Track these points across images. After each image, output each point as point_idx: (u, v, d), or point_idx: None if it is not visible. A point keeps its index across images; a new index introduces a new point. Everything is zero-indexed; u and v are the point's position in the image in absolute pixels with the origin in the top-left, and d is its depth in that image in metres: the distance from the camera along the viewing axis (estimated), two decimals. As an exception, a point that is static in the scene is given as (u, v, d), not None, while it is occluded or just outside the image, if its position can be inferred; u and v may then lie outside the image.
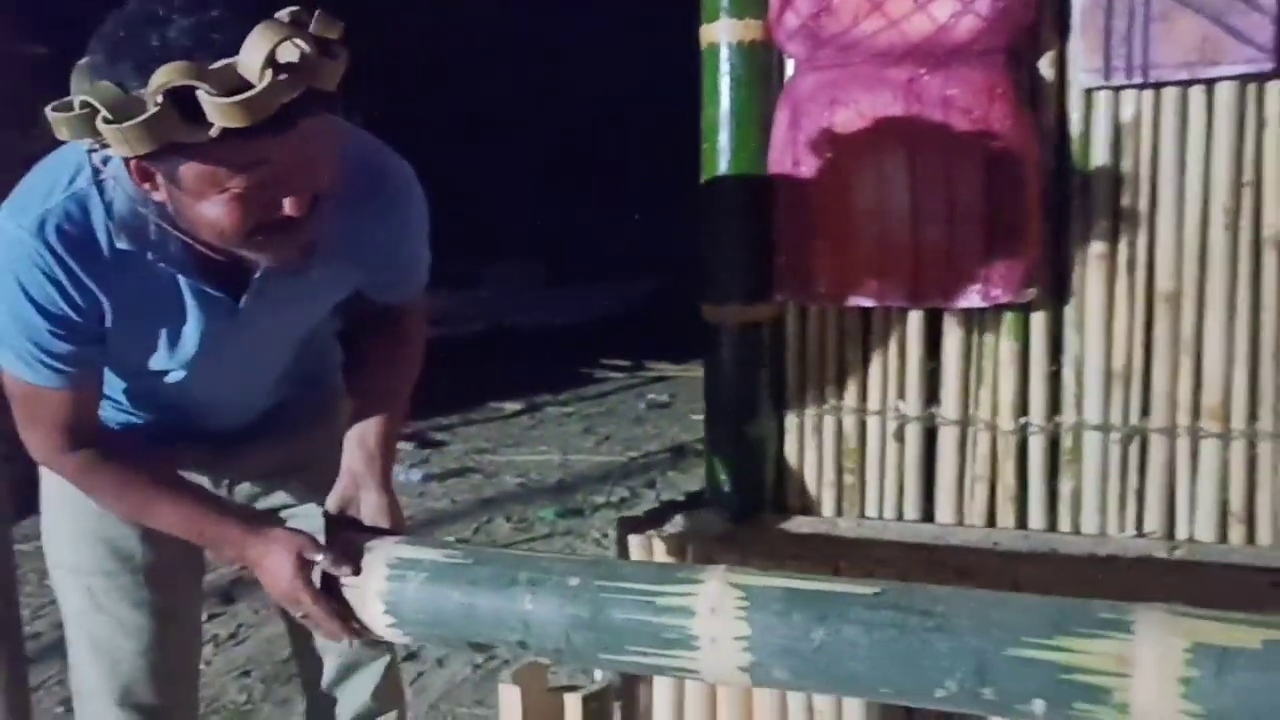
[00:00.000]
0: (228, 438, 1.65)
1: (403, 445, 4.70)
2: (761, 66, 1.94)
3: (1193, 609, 1.17)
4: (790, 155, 1.90)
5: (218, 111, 1.11)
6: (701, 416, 2.08)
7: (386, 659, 1.76)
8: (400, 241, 1.50)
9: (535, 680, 1.54)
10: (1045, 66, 1.80)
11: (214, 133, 1.12)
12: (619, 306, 7.63)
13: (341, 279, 1.48)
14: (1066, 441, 1.83)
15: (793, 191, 1.92)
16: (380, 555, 1.43)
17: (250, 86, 1.11)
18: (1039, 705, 1.18)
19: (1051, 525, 1.85)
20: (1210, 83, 1.71)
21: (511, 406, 6.02)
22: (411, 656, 2.94)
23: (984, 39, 1.76)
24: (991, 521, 1.88)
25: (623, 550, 1.87)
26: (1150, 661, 1.12)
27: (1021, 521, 1.86)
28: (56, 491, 1.62)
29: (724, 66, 1.93)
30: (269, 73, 1.11)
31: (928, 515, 1.92)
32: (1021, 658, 1.17)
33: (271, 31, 1.12)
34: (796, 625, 1.26)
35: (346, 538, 1.43)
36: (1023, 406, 1.86)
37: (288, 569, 1.38)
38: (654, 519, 1.98)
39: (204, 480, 1.64)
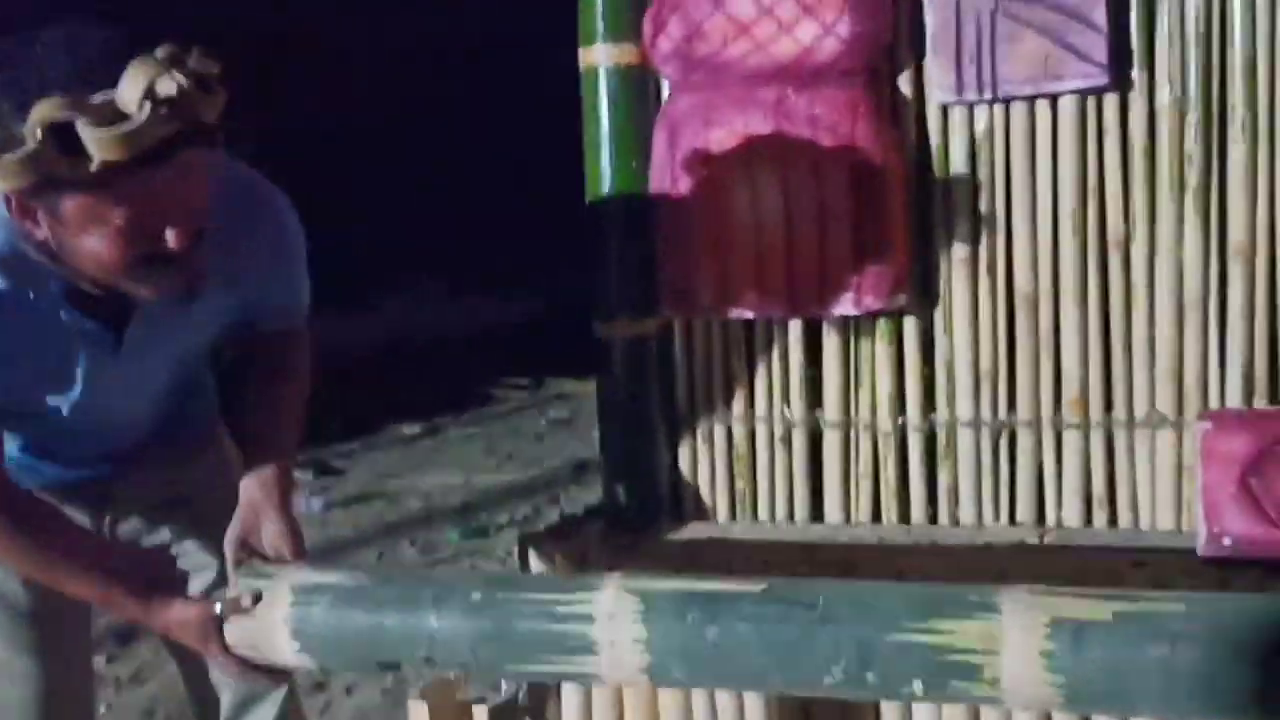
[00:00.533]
0: (110, 473, 1.64)
1: (301, 474, 4.65)
2: (638, 88, 2.00)
3: (1052, 589, 1.27)
4: (669, 174, 1.97)
5: (97, 144, 1.13)
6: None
7: (284, 689, 1.76)
8: (277, 268, 1.52)
9: (444, 696, 1.57)
10: (904, 84, 1.91)
11: (94, 166, 1.14)
12: (519, 320, 7.62)
13: (221, 308, 1.49)
14: (942, 438, 1.94)
15: (673, 209, 1.99)
16: (284, 583, 1.45)
17: (128, 119, 1.13)
18: (918, 686, 1.26)
19: (932, 518, 1.95)
20: (1054, 97, 1.83)
21: (412, 429, 5.98)
22: (319, 686, 2.93)
23: (845, 60, 1.86)
24: (877, 518, 1.98)
25: (524, 566, 1.91)
26: (1015, 638, 1.21)
27: (904, 516, 1.96)
28: None
29: (602, 89, 1.99)
30: (147, 106, 1.13)
31: (817, 515, 2.00)
32: (900, 642, 1.25)
33: (148, 67, 1.15)
34: (691, 625, 1.32)
35: (246, 570, 1.44)
36: (900, 406, 1.96)
37: (193, 632, 1.40)
38: (553, 534, 2.03)
39: (85, 518, 1.63)
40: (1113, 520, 1.87)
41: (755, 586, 1.34)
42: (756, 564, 1.80)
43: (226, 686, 1.76)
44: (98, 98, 1.13)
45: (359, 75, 7.41)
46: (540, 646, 1.38)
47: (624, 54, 1.97)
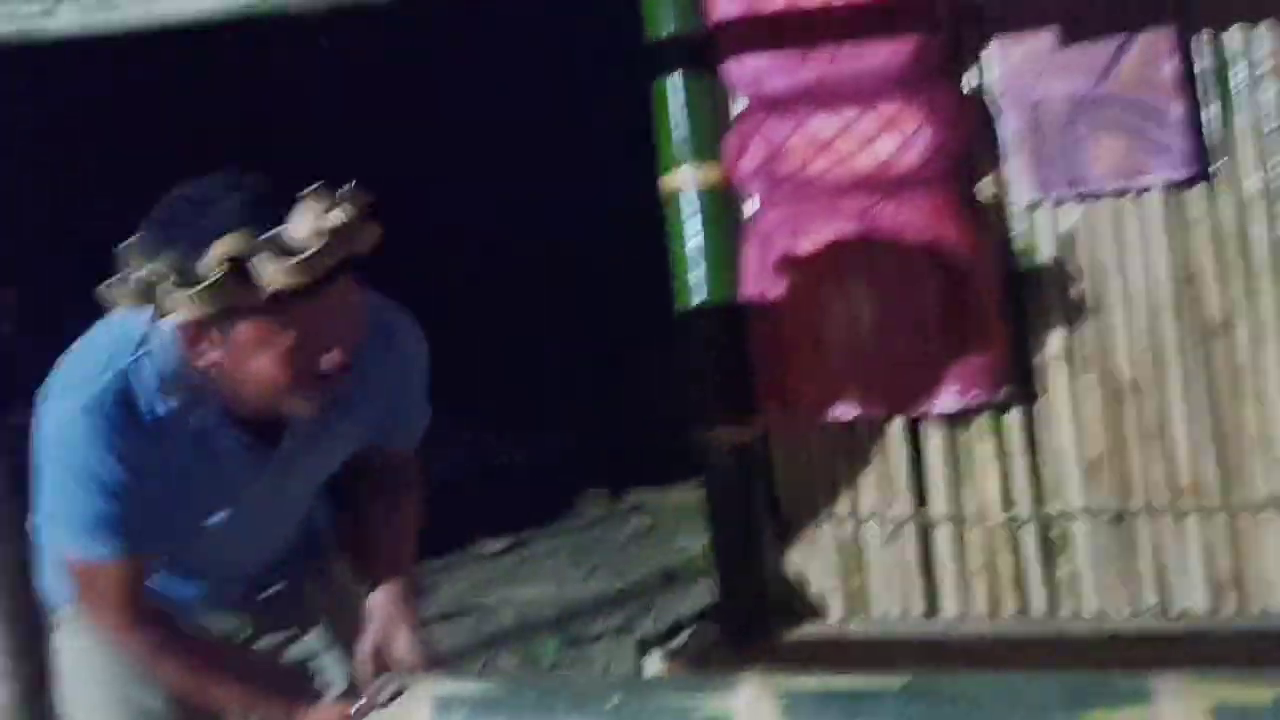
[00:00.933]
0: (247, 592, 1.70)
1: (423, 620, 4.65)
2: (724, 205, 2.08)
3: (1205, 674, 1.26)
4: (762, 284, 2.04)
5: (274, 275, 1.23)
6: (685, 541, 2.16)
7: None
8: (410, 391, 1.60)
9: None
10: (986, 187, 1.97)
11: (266, 295, 1.24)
12: (593, 440, 7.68)
13: (360, 426, 1.57)
14: (1056, 530, 1.94)
15: (768, 317, 2.05)
16: (423, 692, 1.49)
17: (299, 251, 1.23)
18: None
19: (1053, 609, 1.94)
20: (1139, 191, 1.88)
21: (495, 546, 6.03)
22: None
23: (927, 168, 1.93)
24: (995, 611, 1.97)
25: (640, 671, 1.93)
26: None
27: (1023, 608, 1.96)
28: (80, 660, 1.64)
29: (688, 209, 2.07)
30: (318, 238, 1.24)
31: (932, 611, 2.01)
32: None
33: (318, 201, 1.26)
34: (835, 723, 1.33)
35: (381, 681, 1.49)
36: (1008, 501, 1.97)
37: None
38: (668, 637, 2.05)
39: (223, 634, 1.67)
40: (1241, 604, 1.85)
41: (896, 682, 1.35)
42: (879, 661, 1.81)
43: None
44: (270, 232, 1.24)
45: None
46: (682, 751, 1.39)
47: (708, 174, 2.06)
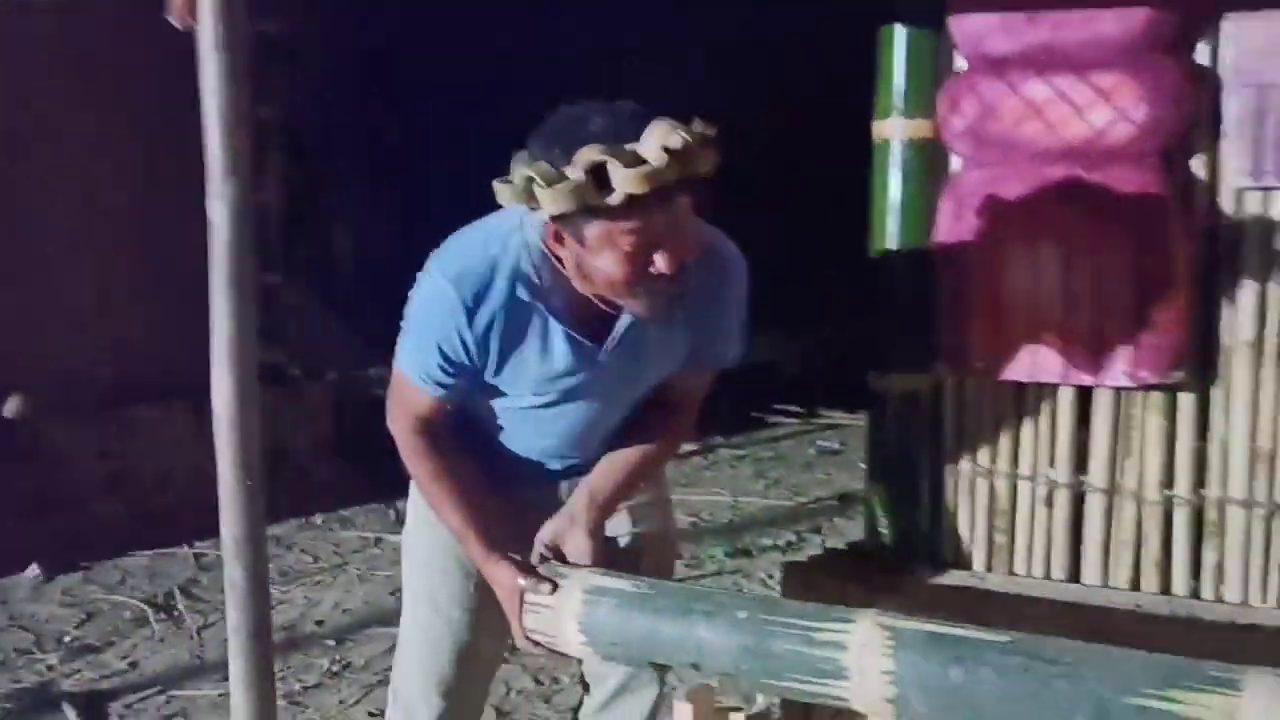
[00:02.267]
0: (564, 470, 1.89)
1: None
2: (929, 161, 2.14)
3: (1297, 674, 1.31)
4: (953, 241, 2.10)
5: (623, 180, 1.45)
6: (869, 468, 2.27)
7: (656, 690, 1.95)
8: (729, 316, 1.76)
9: (704, 699, 1.77)
10: (1198, 167, 1.94)
11: (617, 199, 1.46)
12: (795, 356, 7.77)
13: (680, 342, 1.75)
14: (1211, 514, 1.96)
15: (955, 274, 2.11)
16: (577, 583, 1.69)
17: (647, 164, 1.45)
18: (1152, 750, 1.33)
19: (1194, 593, 1.96)
20: (1356, 187, 1.82)
21: (686, 447, 6.27)
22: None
23: (1138, 144, 1.93)
24: (1136, 586, 2.01)
25: (787, 591, 2.08)
26: (1254, 717, 1.27)
27: (1165, 587, 1.99)
28: (418, 501, 1.90)
29: (894, 159, 2.14)
30: (662, 154, 1.45)
31: (1073, 576, 2.06)
32: (1136, 705, 1.33)
33: (665, 126, 1.48)
34: (936, 664, 1.45)
35: (550, 567, 1.69)
36: (1168, 479, 1.99)
37: (504, 596, 1.68)
38: (817, 565, 2.19)
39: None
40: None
41: (1002, 637, 1.45)
42: (1009, 615, 1.89)
43: (600, 679, 1.97)
44: (626, 146, 1.47)
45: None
46: (795, 667, 1.54)
47: (918, 128, 2.11)
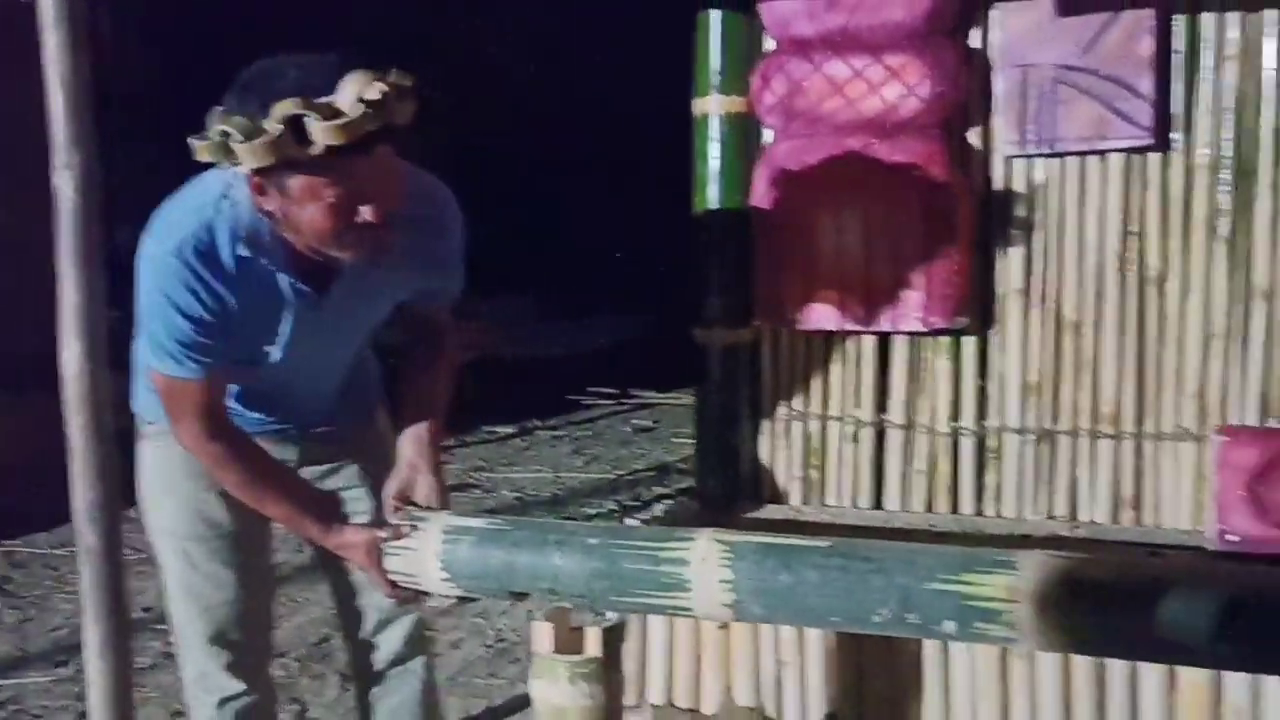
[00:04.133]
0: (300, 426, 1.99)
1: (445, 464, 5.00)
2: (744, 134, 2.34)
3: (1063, 554, 1.56)
4: (766, 207, 2.31)
5: (320, 133, 1.48)
6: (684, 440, 2.46)
7: (417, 614, 2.08)
8: (447, 253, 1.85)
9: (561, 619, 1.90)
10: (974, 138, 2.22)
11: (316, 150, 1.49)
12: (606, 341, 7.98)
13: (401, 283, 1.83)
14: (991, 442, 2.23)
15: (769, 235, 2.32)
16: (436, 524, 1.79)
17: (344, 115, 1.49)
18: (950, 625, 1.56)
19: (979, 511, 2.24)
20: (1104, 153, 2.12)
21: (504, 430, 6.36)
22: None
23: (924, 116, 2.18)
24: (930, 508, 2.28)
25: (625, 532, 2.22)
26: (1030, 590, 1.51)
27: (954, 508, 2.26)
28: (155, 473, 1.96)
29: (713, 133, 2.34)
30: (358, 105, 1.49)
31: (877, 504, 2.31)
32: (936, 590, 1.55)
33: (360, 77, 1.52)
34: (768, 570, 1.64)
35: (404, 514, 1.78)
36: (956, 413, 2.26)
37: (360, 554, 1.75)
38: (649, 506, 2.36)
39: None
40: (1138, 520, 2.14)
41: (823, 543, 1.65)
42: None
43: (369, 608, 2.09)
44: (322, 99, 1.50)
45: (488, 102, 7.90)
46: (643, 583, 1.70)
47: (734, 104, 2.31)
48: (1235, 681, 1.79)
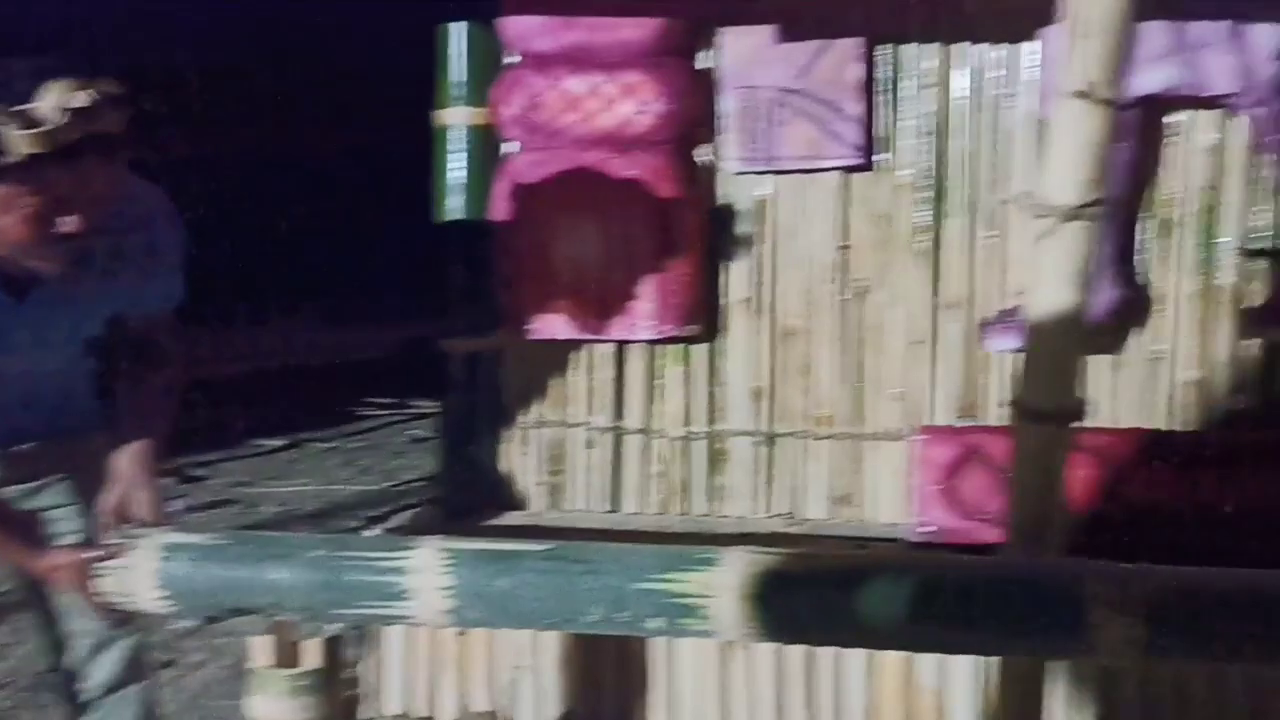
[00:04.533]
0: (4, 441, 1.88)
1: (162, 480, 4.79)
2: (485, 145, 2.36)
3: (763, 549, 1.65)
4: (506, 217, 2.34)
5: (18, 142, 1.43)
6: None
7: (134, 638, 1.98)
8: (157, 266, 1.78)
9: (283, 633, 1.87)
10: (703, 154, 2.32)
11: (13, 159, 1.44)
12: (385, 350, 7.86)
13: (112, 294, 1.76)
14: (720, 445, 2.34)
15: (509, 247, 2.35)
16: (153, 541, 1.73)
17: (44, 124, 1.44)
18: (656, 622, 1.62)
19: (710, 511, 2.34)
20: (817, 171, 2.26)
21: (273, 443, 6.16)
22: (170, 664, 3.14)
23: (655, 133, 2.26)
24: (665, 510, 2.36)
25: (366, 544, 2.21)
26: (728, 585, 1.59)
27: (687, 509, 2.35)
28: None
29: (455, 144, 2.35)
30: (60, 114, 1.44)
31: (616, 507, 2.38)
32: (643, 589, 1.61)
33: (64, 84, 1.46)
34: (486, 576, 1.66)
35: (118, 532, 1.71)
36: (688, 418, 2.35)
37: (70, 576, 1.66)
38: (389, 517, 2.35)
39: None
40: (853, 514, 2.29)
41: (541, 547, 1.69)
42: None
43: (81, 634, 1.99)
44: (20, 107, 1.44)
45: (263, 118, 7.66)
46: (364, 594, 1.69)
47: (475, 116, 2.34)
48: (928, 662, 1.95)
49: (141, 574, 1.71)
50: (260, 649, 1.81)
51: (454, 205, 2.37)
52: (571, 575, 1.65)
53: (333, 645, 1.89)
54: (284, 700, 1.74)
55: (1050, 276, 1.38)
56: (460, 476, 2.42)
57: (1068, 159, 1.33)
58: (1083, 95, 1.43)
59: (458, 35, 2.35)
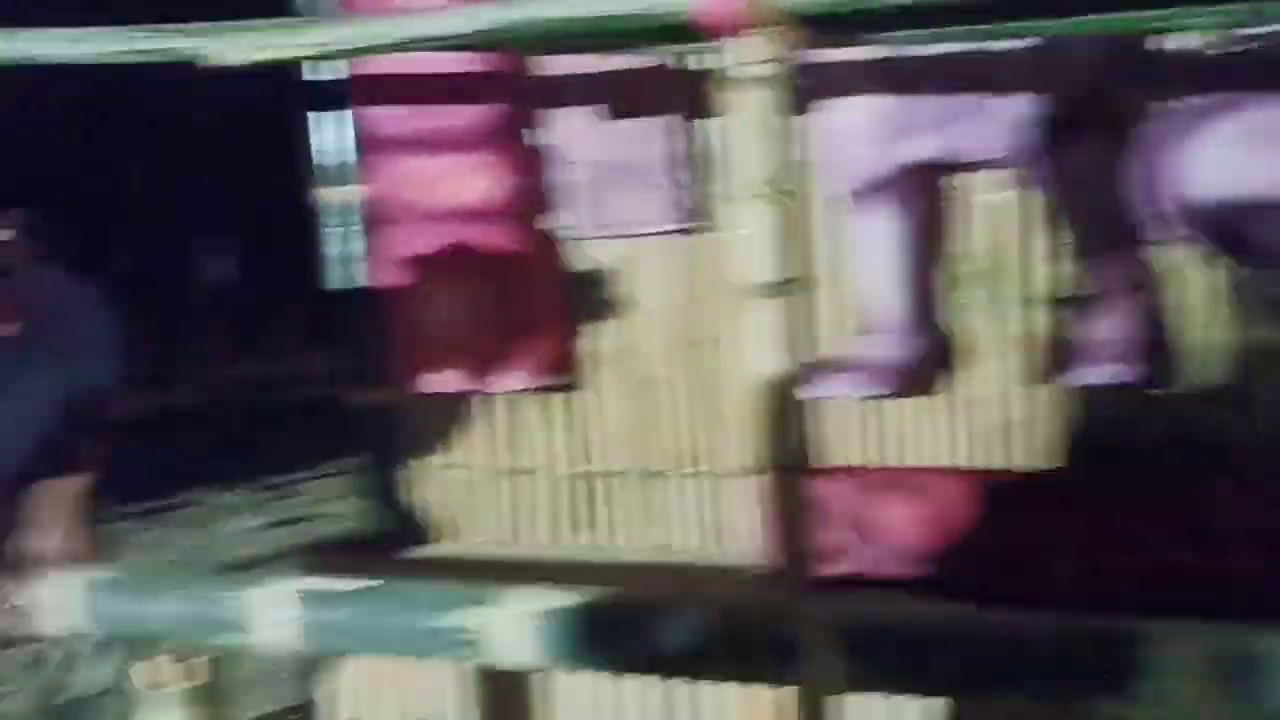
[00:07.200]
0: None
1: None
2: (359, 220, 2.64)
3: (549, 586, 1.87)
4: (383, 287, 2.60)
5: None
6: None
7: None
8: (89, 354, 2.05)
9: (154, 665, 2.14)
10: (555, 221, 2.55)
11: None
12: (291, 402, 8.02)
13: (45, 381, 2.00)
14: (599, 483, 2.58)
15: (389, 313, 2.61)
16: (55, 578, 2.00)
17: None
18: (446, 655, 1.85)
19: (593, 543, 2.59)
20: (647, 236, 2.46)
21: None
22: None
23: (510, 205, 2.50)
24: (553, 542, 2.62)
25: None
26: (509, 621, 1.82)
27: (572, 541, 2.61)
28: None
29: (330, 220, 2.64)
30: None
31: (510, 540, 2.65)
32: (430, 627, 1.75)
33: None
34: (326, 612, 1.89)
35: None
36: (572, 458, 2.60)
37: None
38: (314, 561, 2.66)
39: None
40: (720, 546, 2.49)
41: (365, 585, 1.94)
42: (453, 574, 2.39)
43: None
44: None
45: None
46: (222, 626, 1.94)
47: (349, 193, 2.62)
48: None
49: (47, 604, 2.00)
50: (144, 671, 2.12)
51: (336, 274, 2.68)
52: (380, 612, 1.90)
53: (213, 665, 2.19)
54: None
55: (763, 344, 1.60)
56: (372, 516, 2.73)
57: (759, 246, 1.57)
58: (760, 195, 1.65)
59: (317, 123, 2.62)
